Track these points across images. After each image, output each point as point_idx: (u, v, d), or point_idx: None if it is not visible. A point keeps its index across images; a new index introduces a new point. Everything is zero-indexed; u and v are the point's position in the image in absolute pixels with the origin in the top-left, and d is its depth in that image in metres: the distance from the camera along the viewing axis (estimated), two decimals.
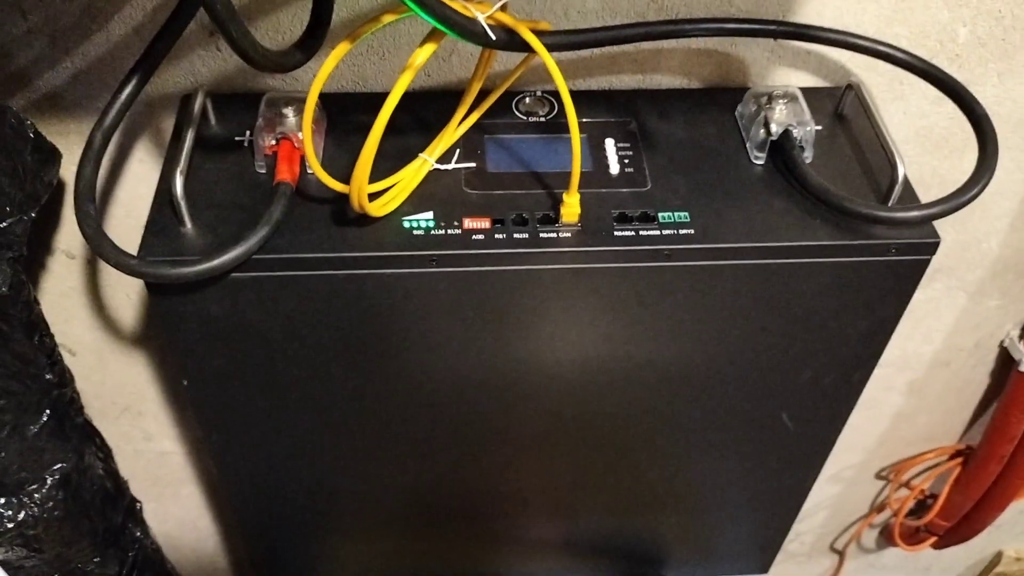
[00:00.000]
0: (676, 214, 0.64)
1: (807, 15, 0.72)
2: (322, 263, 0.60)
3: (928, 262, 0.66)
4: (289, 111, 0.65)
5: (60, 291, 0.87)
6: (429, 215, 0.63)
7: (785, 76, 0.76)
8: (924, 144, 0.83)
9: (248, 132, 0.67)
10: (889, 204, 0.64)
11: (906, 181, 0.65)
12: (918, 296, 0.67)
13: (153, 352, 0.94)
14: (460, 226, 0.62)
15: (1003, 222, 0.92)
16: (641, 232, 0.63)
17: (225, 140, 0.67)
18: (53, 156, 0.70)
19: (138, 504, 0.95)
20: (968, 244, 0.94)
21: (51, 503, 0.78)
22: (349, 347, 0.67)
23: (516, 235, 0.62)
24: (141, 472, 1.09)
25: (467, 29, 0.52)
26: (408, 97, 0.71)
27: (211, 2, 0.43)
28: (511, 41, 0.55)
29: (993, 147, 0.65)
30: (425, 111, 0.70)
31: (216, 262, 0.57)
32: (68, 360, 0.92)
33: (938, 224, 0.65)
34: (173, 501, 1.15)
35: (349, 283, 0.62)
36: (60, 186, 0.77)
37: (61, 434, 0.77)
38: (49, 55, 0.68)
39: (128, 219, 0.80)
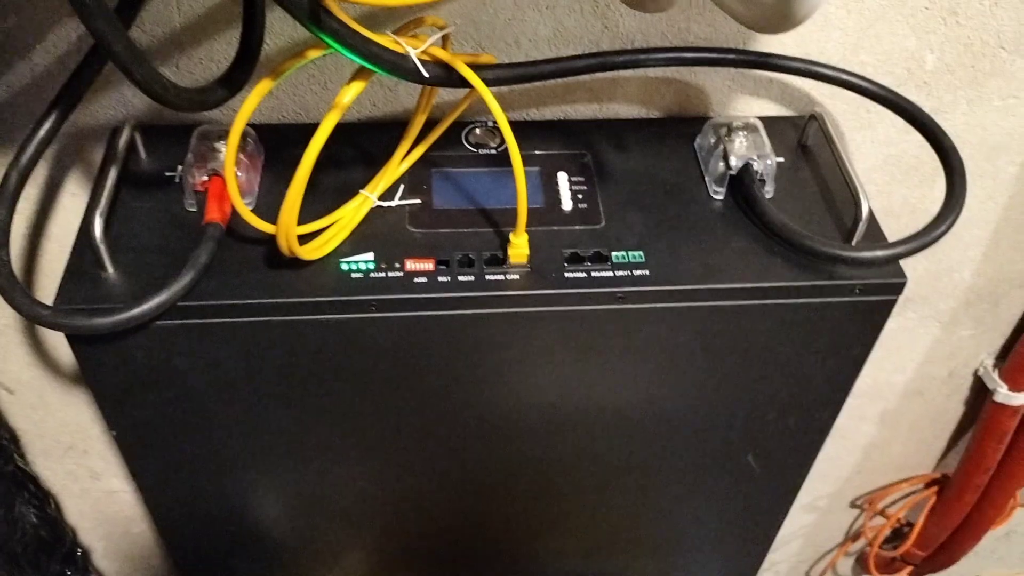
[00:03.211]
0: (631, 254, 0.61)
1: (769, 43, 0.69)
2: (253, 309, 0.57)
3: (894, 302, 0.63)
4: (221, 145, 0.61)
5: None
6: (369, 256, 0.60)
7: (747, 105, 0.73)
8: (893, 172, 0.80)
9: (180, 167, 0.63)
10: (853, 242, 0.61)
11: (871, 218, 0.62)
12: (890, 325, 0.65)
13: None
14: (402, 268, 0.59)
15: (975, 251, 0.89)
16: (593, 273, 0.59)
17: (155, 175, 0.64)
18: None
19: (79, 550, 0.91)
20: (940, 274, 0.91)
21: None
22: (285, 395, 0.63)
23: (461, 278, 0.59)
24: (90, 512, 1.04)
25: (398, 66, 0.48)
26: (351, 128, 0.68)
27: (111, 47, 0.39)
28: (448, 77, 0.51)
29: (961, 182, 0.62)
30: (369, 143, 0.67)
31: (136, 311, 0.53)
32: (6, 399, 0.88)
33: None
34: (124, 540, 1.10)
35: (282, 330, 0.58)
36: None
37: None
38: None
39: (62, 255, 0.76)
